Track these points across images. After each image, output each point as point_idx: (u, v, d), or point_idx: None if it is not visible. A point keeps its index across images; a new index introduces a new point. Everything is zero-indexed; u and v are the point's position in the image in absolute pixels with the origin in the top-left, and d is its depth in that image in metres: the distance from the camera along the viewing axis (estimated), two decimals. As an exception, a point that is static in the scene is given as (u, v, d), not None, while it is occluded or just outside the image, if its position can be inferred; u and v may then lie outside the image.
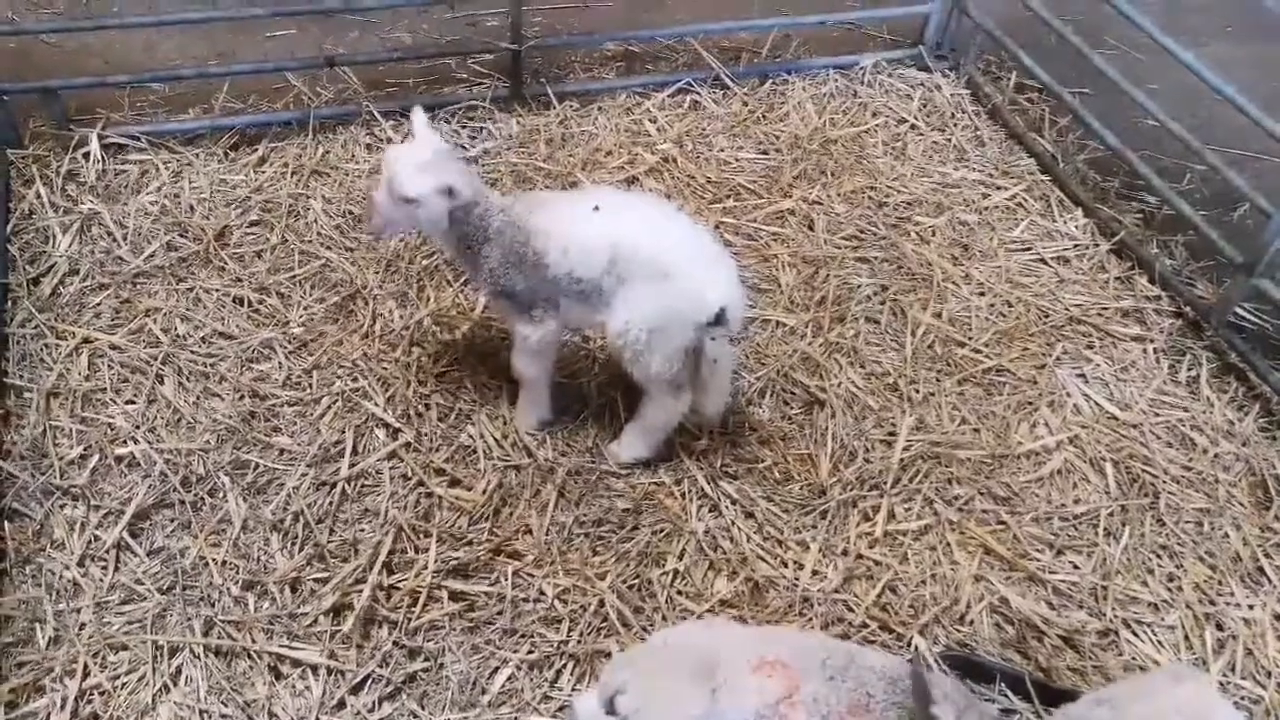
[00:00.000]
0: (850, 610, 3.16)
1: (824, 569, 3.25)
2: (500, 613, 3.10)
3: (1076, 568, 3.34)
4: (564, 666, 3.00)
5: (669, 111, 5.04)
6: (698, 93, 5.13)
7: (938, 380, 3.87)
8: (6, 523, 3.24)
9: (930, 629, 3.11)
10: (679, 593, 3.18)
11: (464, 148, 4.73)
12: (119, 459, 3.42)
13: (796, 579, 3.21)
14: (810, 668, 2.23)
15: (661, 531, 3.32)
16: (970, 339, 4.03)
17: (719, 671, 2.22)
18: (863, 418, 3.69)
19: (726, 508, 3.39)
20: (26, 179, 4.37)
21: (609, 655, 2.97)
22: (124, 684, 2.89)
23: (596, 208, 3.19)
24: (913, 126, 5.08)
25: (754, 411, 3.69)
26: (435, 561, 3.18)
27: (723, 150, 4.85)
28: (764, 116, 5.09)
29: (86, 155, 4.47)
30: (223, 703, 2.88)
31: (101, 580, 3.12)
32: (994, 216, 4.63)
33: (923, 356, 3.95)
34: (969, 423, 3.73)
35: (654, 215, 3.22)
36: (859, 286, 4.19)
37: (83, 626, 3.01)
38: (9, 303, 3.87)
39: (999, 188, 4.78)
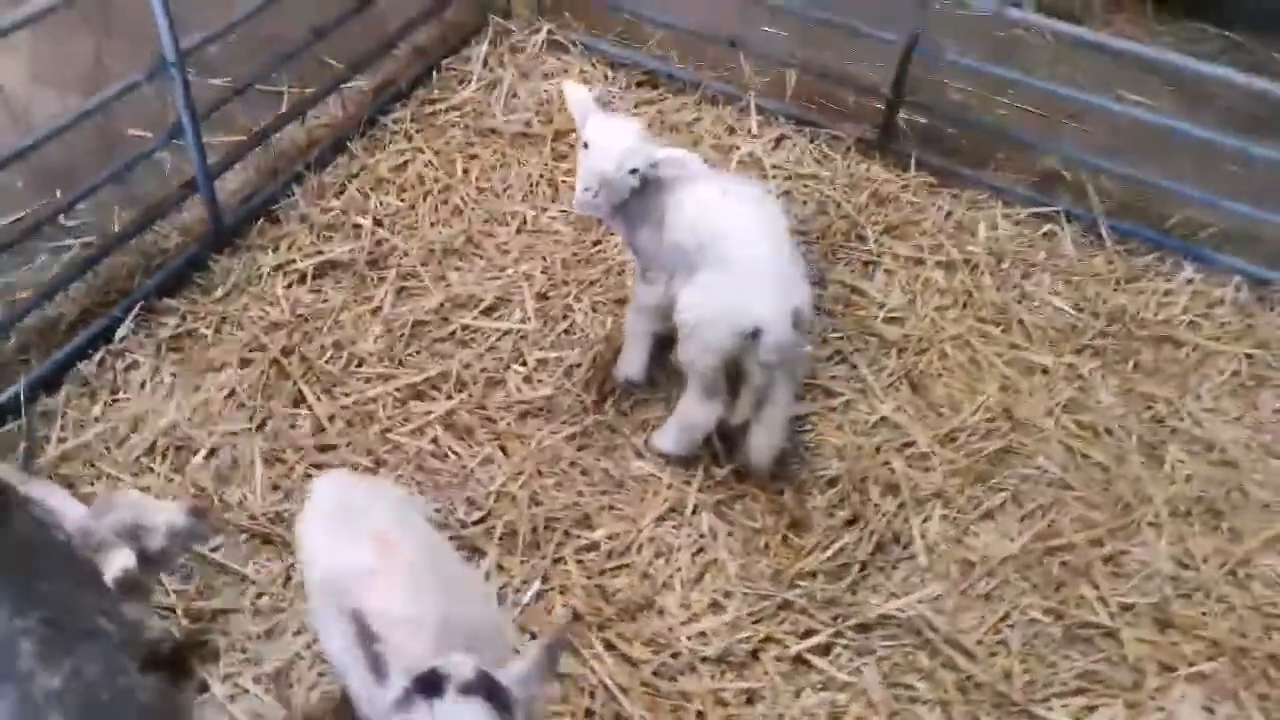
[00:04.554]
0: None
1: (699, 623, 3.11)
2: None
3: None
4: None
5: (1016, 228, 4.61)
6: (1061, 225, 4.60)
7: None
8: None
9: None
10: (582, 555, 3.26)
11: (802, 163, 4.82)
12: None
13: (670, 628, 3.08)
14: (424, 581, 2.21)
15: (616, 509, 3.38)
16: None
17: (356, 520, 2.35)
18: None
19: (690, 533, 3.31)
20: (490, 39, 5.42)
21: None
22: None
23: (725, 192, 3.29)
24: (1281, 380, 4.07)
25: (801, 495, 3.48)
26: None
27: (1036, 285, 4.37)
28: (1118, 283, 4.42)
29: (539, 41, 5.39)
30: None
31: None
32: None
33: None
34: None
35: (762, 217, 3.28)
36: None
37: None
38: (396, 101, 4.96)
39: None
